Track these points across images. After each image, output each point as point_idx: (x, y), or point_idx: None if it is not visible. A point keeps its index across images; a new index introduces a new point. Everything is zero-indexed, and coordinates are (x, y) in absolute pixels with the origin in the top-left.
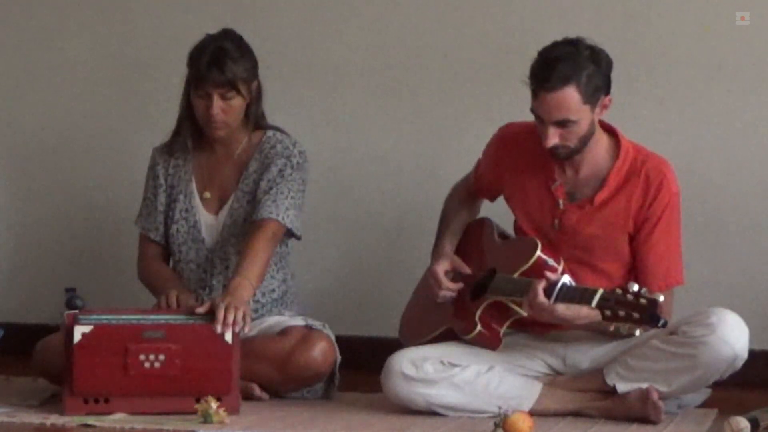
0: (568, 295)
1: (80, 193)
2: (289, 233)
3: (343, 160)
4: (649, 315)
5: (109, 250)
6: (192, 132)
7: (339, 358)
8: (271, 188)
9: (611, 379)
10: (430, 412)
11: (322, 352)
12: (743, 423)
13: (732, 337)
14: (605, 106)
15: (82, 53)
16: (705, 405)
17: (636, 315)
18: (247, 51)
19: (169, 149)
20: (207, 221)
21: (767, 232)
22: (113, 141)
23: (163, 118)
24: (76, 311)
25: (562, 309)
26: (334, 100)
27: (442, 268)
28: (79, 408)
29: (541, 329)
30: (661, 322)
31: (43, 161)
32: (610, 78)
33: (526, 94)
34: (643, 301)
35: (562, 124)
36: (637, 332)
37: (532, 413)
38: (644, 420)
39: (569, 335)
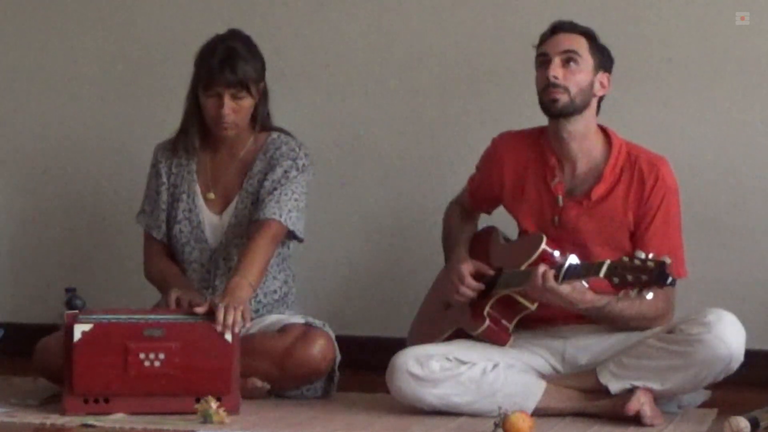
0: (576, 272)
1: (80, 193)
2: (292, 235)
3: (343, 161)
4: (658, 274)
5: (109, 250)
6: (198, 131)
7: (339, 356)
8: (275, 189)
9: (603, 378)
10: (434, 412)
11: (321, 349)
12: (743, 423)
13: (728, 336)
14: (603, 85)
15: (81, 54)
16: (705, 405)
17: (644, 277)
18: (256, 51)
19: (172, 147)
20: (211, 221)
21: (767, 232)
22: (113, 141)
23: (162, 118)
24: (76, 311)
25: (568, 290)
26: (335, 100)
27: (467, 268)
28: (79, 408)
29: (540, 325)
30: (670, 280)
31: (43, 161)
32: (611, 65)
33: (526, 94)
34: (650, 263)
35: (568, 57)
36: (649, 296)
37: (537, 412)
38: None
39: (568, 330)
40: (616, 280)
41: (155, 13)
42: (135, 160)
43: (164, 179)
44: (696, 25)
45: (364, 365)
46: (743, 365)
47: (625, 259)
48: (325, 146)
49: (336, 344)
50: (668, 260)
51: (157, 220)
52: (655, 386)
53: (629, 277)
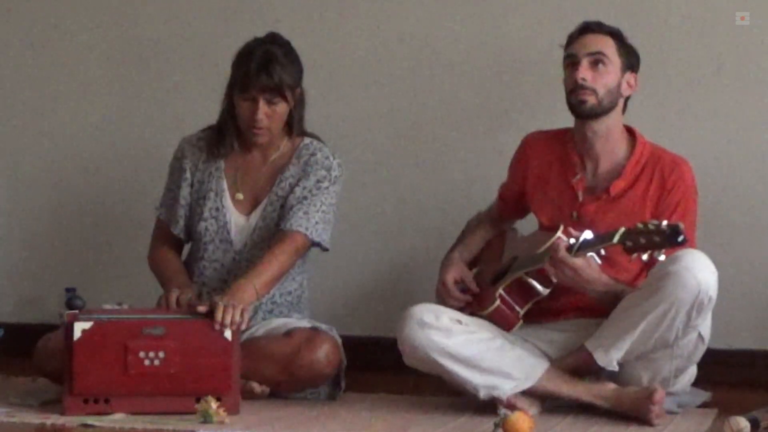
0: (590, 244)
1: (81, 193)
2: (317, 245)
3: (347, 162)
4: (670, 233)
5: (109, 250)
6: (233, 133)
7: (345, 361)
8: (305, 197)
9: (590, 345)
10: (437, 408)
11: (326, 353)
12: (743, 423)
13: (695, 266)
14: (630, 85)
15: (80, 54)
16: (705, 405)
17: (657, 238)
18: (294, 57)
19: (202, 145)
20: (238, 222)
21: (767, 231)
22: (113, 142)
23: (163, 120)
24: (76, 311)
25: (582, 263)
26: (335, 101)
27: (450, 277)
28: (79, 408)
29: (545, 319)
30: (681, 237)
31: (43, 163)
32: (638, 64)
33: (528, 93)
34: (664, 227)
35: (596, 59)
36: (661, 257)
37: (535, 389)
38: (643, 420)
39: (572, 325)
40: (629, 243)
41: (158, 13)
42: (135, 160)
43: (188, 175)
44: (696, 25)
45: (364, 365)
46: (743, 365)
47: (640, 225)
48: (328, 147)
49: (342, 349)
50: (682, 224)
51: (175, 215)
52: (630, 333)
53: (642, 240)
